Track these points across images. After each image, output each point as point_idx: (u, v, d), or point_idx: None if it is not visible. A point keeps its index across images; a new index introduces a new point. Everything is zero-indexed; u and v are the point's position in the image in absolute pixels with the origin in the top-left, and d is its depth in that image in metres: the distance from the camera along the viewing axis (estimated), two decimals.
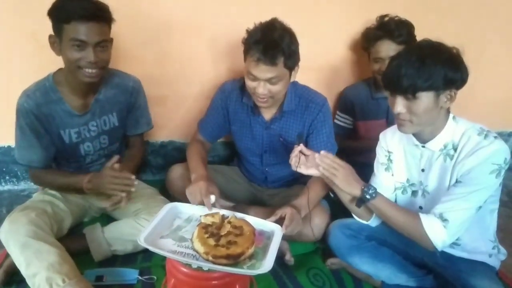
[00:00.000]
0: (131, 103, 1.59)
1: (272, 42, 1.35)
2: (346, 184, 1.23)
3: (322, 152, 1.25)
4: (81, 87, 1.42)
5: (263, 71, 1.37)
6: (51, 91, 1.41)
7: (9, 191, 2.00)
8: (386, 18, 1.77)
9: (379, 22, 1.78)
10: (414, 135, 1.26)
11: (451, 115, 1.21)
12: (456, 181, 1.19)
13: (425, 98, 1.12)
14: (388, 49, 1.71)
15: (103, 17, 1.31)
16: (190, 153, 1.63)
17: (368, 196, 1.22)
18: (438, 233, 1.16)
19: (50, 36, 1.33)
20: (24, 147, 1.43)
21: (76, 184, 1.43)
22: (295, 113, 1.58)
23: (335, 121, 2.02)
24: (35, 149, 1.43)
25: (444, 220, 1.16)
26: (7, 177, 2.02)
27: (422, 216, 1.20)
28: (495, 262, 1.31)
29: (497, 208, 1.28)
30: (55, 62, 1.75)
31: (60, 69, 1.45)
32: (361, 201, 1.25)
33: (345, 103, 1.99)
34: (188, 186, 1.41)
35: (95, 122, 1.50)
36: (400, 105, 1.15)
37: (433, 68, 1.09)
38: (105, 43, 1.33)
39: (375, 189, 1.24)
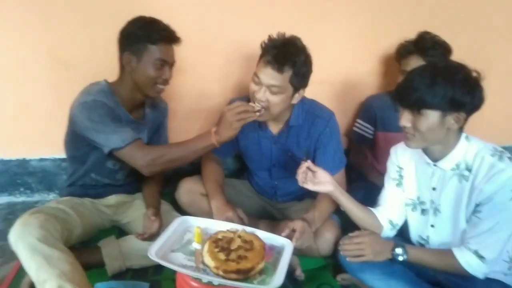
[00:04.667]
0: (161, 122, 1.70)
1: (287, 52, 1.38)
2: (376, 256, 1.27)
3: (340, 246, 1.32)
4: (135, 102, 1.53)
5: (268, 75, 1.39)
6: (110, 95, 1.46)
7: (23, 203, 2.03)
8: (426, 36, 1.76)
9: (417, 37, 1.79)
10: (426, 152, 1.25)
11: (463, 134, 1.20)
12: (476, 207, 1.18)
13: (430, 117, 1.11)
14: (416, 65, 1.70)
15: (178, 41, 1.47)
16: (205, 174, 1.66)
17: (399, 258, 1.25)
18: (477, 269, 1.18)
19: (125, 55, 1.43)
20: (113, 131, 1.39)
21: (203, 143, 1.39)
22: (302, 128, 1.58)
23: (354, 128, 2.03)
24: (123, 129, 1.41)
25: (480, 257, 1.17)
26: (21, 189, 2.06)
27: (457, 254, 1.20)
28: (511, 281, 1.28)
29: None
30: (71, 79, 1.82)
31: (114, 82, 1.51)
32: (394, 260, 1.27)
33: (367, 111, 1.99)
34: (214, 216, 1.48)
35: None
36: (406, 119, 1.15)
37: (442, 88, 1.08)
38: (174, 64, 1.51)
39: (403, 247, 1.26)
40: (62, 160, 2.01)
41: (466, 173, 1.19)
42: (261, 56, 1.44)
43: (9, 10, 1.71)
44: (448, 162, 1.22)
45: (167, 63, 1.46)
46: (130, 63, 1.44)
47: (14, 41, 1.77)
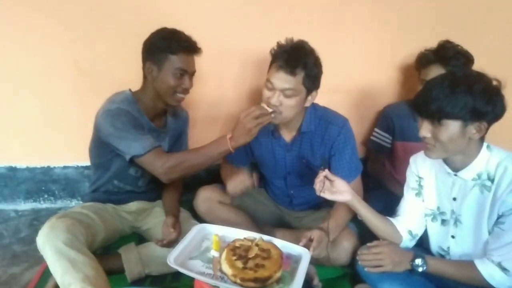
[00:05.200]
0: (182, 131, 1.75)
1: (297, 55, 1.40)
2: (395, 267, 1.26)
3: (358, 256, 1.31)
4: (157, 110, 1.58)
5: (282, 79, 1.40)
6: (133, 104, 1.51)
7: (47, 209, 2.10)
8: (448, 45, 1.73)
9: (439, 47, 1.76)
10: (446, 162, 1.24)
11: (485, 144, 1.18)
12: (498, 218, 1.16)
13: (451, 127, 1.10)
14: (436, 74, 1.69)
15: (198, 51, 1.52)
16: (223, 169, 1.71)
17: (419, 269, 1.24)
18: (501, 282, 1.16)
19: (147, 65, 1.49)
20: (135, 138, 1.43)
21: (219, 149, 1.40)
22: (315, 134, 1.58)
23: (372, 137, 2.02)
24: (145, 136, 1.45)
25: (503, 269, 1.15)
26: (45, 196, 2.12)
27: (480, 266, 1.18)
28: None
29: None
30: (94, 89, 1.87)
31: (137, 91, 1.57)
32: (413, 271, 1.26)
33: (386, 120, 1.97)
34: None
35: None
36: (425, 129, 1.14)
37: (462, 97, 1.07)
38: (194, 73, 1.55)
39: (423, 257, 1.24)
40: (85, 168, 2.07)
41: (488, 183, 1.17)
42: (272, 62, 1.47)
43: (35, 24, 1.80)
44: (469, 172, 1.20)
45: (187, 72, 1.50)
46: (152, 73, 1.49)
47: (40, 53, 1.85)
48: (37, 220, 1.98)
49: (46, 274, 1.49)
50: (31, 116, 1.95)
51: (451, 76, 1.13)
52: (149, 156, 1.42)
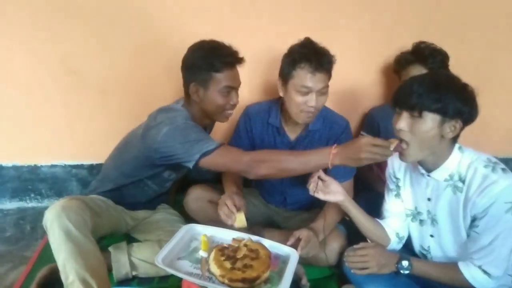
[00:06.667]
0: None
1: (323, 53, 1.42)
2: (381, 269, 1.28)
3: (344, 258, 1.33)
4: (205, 126, 1.55)
5: (320, 80, 1.41)
6: (189, 119, 1.43)
7: (34, 208, 2.07)
8: (422, 45, 1.78)
9: (414, 47, 1.80)
10: (419, 163, 1.25)
11: (457, 145, 1.20)
12: (473, 222, 1.18)
13: (430, 120, 1.11)
14: (417, 73, 1.72)
15: (241, 61, 1.47)
16: (224, 175, 1.69)
17: (404, 272, 1.26)
18: (484, 284, 1.18)
19: (191, 86, 1.43)
20: (206, 136, 1.39)
21: (317, 161, 1.26)
22: (319, 132, 1.60)
23: None
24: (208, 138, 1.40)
25: (485, 272, 1.17)
26: (32, 195, 2.09)
27: (463, 268, 1.20)
28: None
29: None
30: (81, 88, 1.85)
31: (186, 104, 1.51)
32: (399, 273, 1.28)
33: (371, 123, 1.99)
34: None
35: None
36: (404, 121, 1.14)
37: (444, 94, 1.09)
38: (240, 85, 1.51)
39: (408, 260, 1.26)
40: (73, 166, 2.05)
41: (460, 184, 1.19)
42: (294, 67, 1.42)
43: (20, 21, 1.77)
44: (441, 173, 1.21)
45: (234, 88, 1.46)
46: (197, 93, 1.44)
47: (26, 50, 1.82)
48: (22, 219, 1.95)
49: (31, 274, 1.48)
50: (17, 114, 1.92)
51: (432, 75, 1.16)
52: (224, 150, 1.33)
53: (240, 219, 1.38)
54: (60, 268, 1.22)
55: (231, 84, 1.44)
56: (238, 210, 1.40)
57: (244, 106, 1.72)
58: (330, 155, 1.21)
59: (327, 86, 1.45)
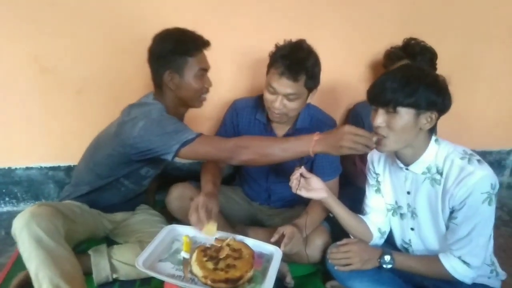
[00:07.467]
0: None
1: (298, 60, 1.40)
2: (364, 264, 1.29)
3: (328, 255, 1.35)
4: (179, 117, 1.49)
5: (284, 85, 1.41)
6: (164, 111, 1.41)
7: (9, 213, 2.00)
8: (413, 41, 1.80)
9: (404, 44, 1.82)
10: (398, 157, 1.27)
11: (433, 138, 1.22)
12: (451, 214, 1.20)
13: (405, 115, 1.12)
14: None
15: (209, 44, 1.45)
16: (202, 172, 1.63)
17: (386, 266, 1.27)
18: (464, 274, 1.21)
19: (166, 74, 1.40)
20: (185, 126, 1.36)
21: (298, 147, 1.24)
22: (307, 131, 1.58)
23: None
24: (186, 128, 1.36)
25: (465, 263, 1.19)
26: (6, 199, 2.02)
27: (443, 260, 1.23)
28: (495, 283, 1.30)
29: (492, 233, 1.25)
30: (57, 86, 1.79)
31: (157, 97, 1.46)
32: (382, 268, 1.29)
33: (355, 118, 2.00)
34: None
35: None
36: (380, 118, 1.16)
37: (416, 87, 1.11)
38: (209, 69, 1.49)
39: (390, 254, 1.28)
40: (49, 168, 1.99)
41: (438, 176, 1.21)
42: (271, 65, 1.45)
43: None
44: (419, 166, 1.23)
45: (206, 70, 1.46)
46: (173, 81, 1.41)
47: (0, 49, 1.74)
48: None
49: (9, 277, 1.43)
50: None
51: (404, 69, 1.17)
52: (204, 138, 1.31)
53: (209, 229, 1.30)
54: (33, 277, 1.18)
55: (205, 66, 1.44)
56: (209, 218, 1.32)
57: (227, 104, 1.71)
58: (312, 141, 1.20)
59: (295, 94, 1.43)
